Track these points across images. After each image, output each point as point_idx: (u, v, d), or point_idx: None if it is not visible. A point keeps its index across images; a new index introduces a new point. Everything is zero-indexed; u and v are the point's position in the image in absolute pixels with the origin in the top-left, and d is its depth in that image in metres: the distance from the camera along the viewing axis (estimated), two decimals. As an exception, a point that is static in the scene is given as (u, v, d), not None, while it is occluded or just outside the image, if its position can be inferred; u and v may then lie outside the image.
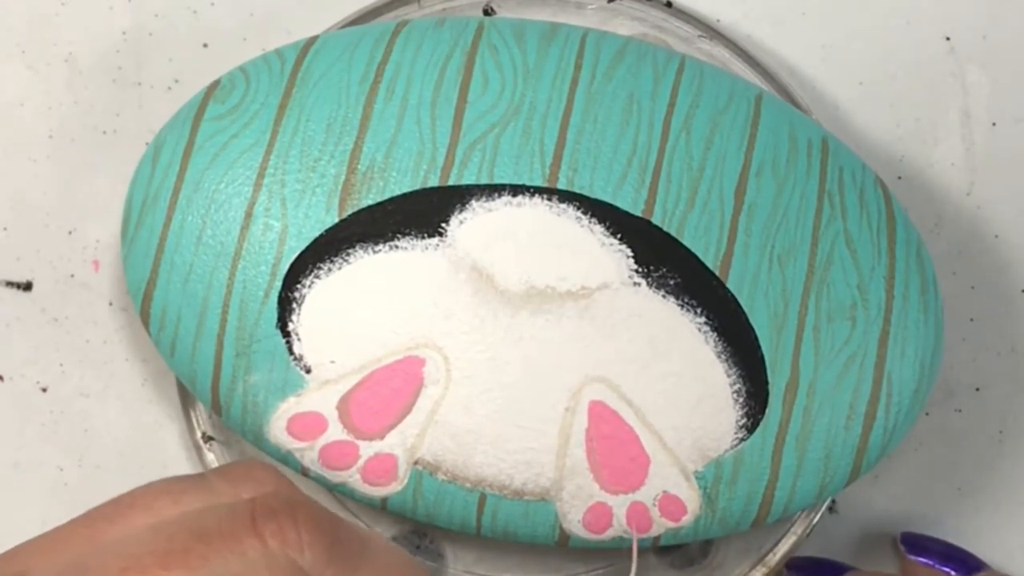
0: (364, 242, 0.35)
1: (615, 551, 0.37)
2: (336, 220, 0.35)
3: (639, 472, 0.35)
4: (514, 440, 0.35)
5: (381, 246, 0.35)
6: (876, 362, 0.35)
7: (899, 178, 0.42)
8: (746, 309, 0.35)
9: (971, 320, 0.42)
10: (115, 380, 0.42)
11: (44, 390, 0.41)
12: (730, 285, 0.35)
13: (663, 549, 0.39)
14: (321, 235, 0.35)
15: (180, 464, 0.41)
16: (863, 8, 0.43)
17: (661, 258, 0.35)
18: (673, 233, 0.35)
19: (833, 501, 0.41)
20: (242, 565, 0.23)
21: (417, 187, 0.35)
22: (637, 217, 0.35)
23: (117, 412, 0.41)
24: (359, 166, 0.35)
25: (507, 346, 0.35)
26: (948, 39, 0.43)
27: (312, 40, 0.37)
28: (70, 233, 0.42)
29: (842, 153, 0.37)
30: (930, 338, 0.36)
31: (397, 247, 0.35)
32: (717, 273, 0.35)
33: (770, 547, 0.39)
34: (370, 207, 0.35)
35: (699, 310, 0.35)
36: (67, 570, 0.24)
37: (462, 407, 0.35)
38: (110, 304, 0.42)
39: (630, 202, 0.35)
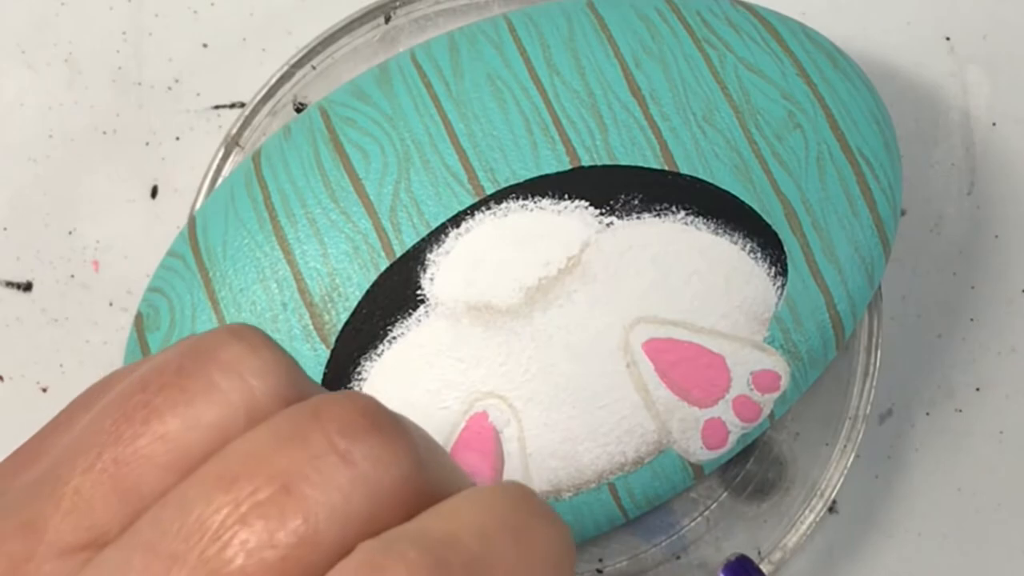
0: (364, 354, 0.35)
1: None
2: (328, 354, 0.35)
3: (721, 372, 0.35)
4: (605, 422, 0.35)
5: (381, 346, 0.35)
6: (839, 145, 0.36)
7: (899, 178, 0.42)
8: (709, 180, 0.36)
9: (971, 320, 0.42)
10: (115, 380, 0.41)
11: (44, 390, 0.41)
12: (683, 170, 0.36)
13: (738, 487, 0.40)
14: (325, 375, 0.35)
15: (180, 464, 0.41)
16: (863, 8, 0.43)
17: (613, 189, 0.36)
18: (607, 162, 0.36)
19: (834, 501, 0.41)
20: (218, 400, 0.22)
21: (373, 279, 0.35)
22: (569, 171, 0.36)
23: (117, 412, 0.41)
24: (313, 298, 0.35)
25: (543, 351, 0.35)
26: (948, 39, 0.43)
27: (192, 222, 0.37)
28: (70, 233, 0.42)
29: (689, 0, 0.38)
30: (867, 96, 0.37)
31: (395, 338, 0.35)
32: (665, 168, 0.36)
33: (771, 547, 0.39)
34: (348, 323, 0.35)
35: (674, 208, 0.36)
36: (43, 476, 0.23)
37: (543, 426, 0.35)
38: (110, 304, 0.42)
39: (554, 163, 0.36)
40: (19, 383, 0.41)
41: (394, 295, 0.35)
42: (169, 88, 0.43)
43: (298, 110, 0.41)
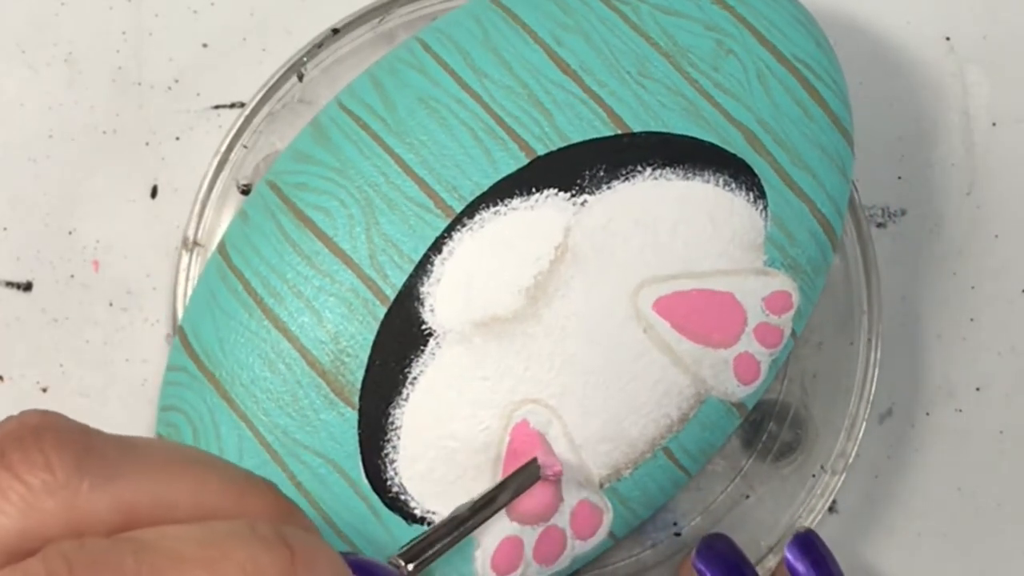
0: (392, 403, 0.35)
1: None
2: (356, 415, 0.35)
3: (734, 309, 0.36)
4: (640, 392, 0.35)
5: (405, 390, 0.35)
6: (774, 57, 0.37)
7: (899, 178, 0.42)
8: (665, 129, 0.36)
9: (971, 320, 0.42)
10: (115, 380, 0.41)
11: (44, 390, 0.41)
12: (636, 129, 0.36)
13: (757, 448, 0.40)
14: (360, 436, 0.35)
15: (180, 464, 0.41)
16: (863, 8, 0.43)
17: (574, 168, 0.36)
18: (561, 145, 0.36)
19: (834, 501, 0.41)
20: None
21: (377, 330, 0.35)
22: (527, 164, 0.36)
23: (117, 412, 0.41)
24: (324, 367, 0.35)
25: (559, 344, 0.35)
26: (948, 39, 0.43)
27: (181, 331, 0.36)
28: (70, 233, 0.42)
29: None
30: (785, 2, 0.38)
31: (416, 379, 0.35)
32: (619, 132, 0.36)
33: (770, 548, 0.39)
34: (364, 381, 0.35)
35: (639, 166, 0.36)
36: None
37: (584, 416, 0.35)
38: (110, 304, 0.42)
39: (511, 162, 0.36)
40: (19, 383, 0.41)
41: (401, 338, 0.35)
42: (169, 88, 0.43)
43: (244, 192, 0.40)
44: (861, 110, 0.43)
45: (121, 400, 0.41)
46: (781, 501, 0.40)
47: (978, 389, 0.42)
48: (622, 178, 0.36)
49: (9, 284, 0.42)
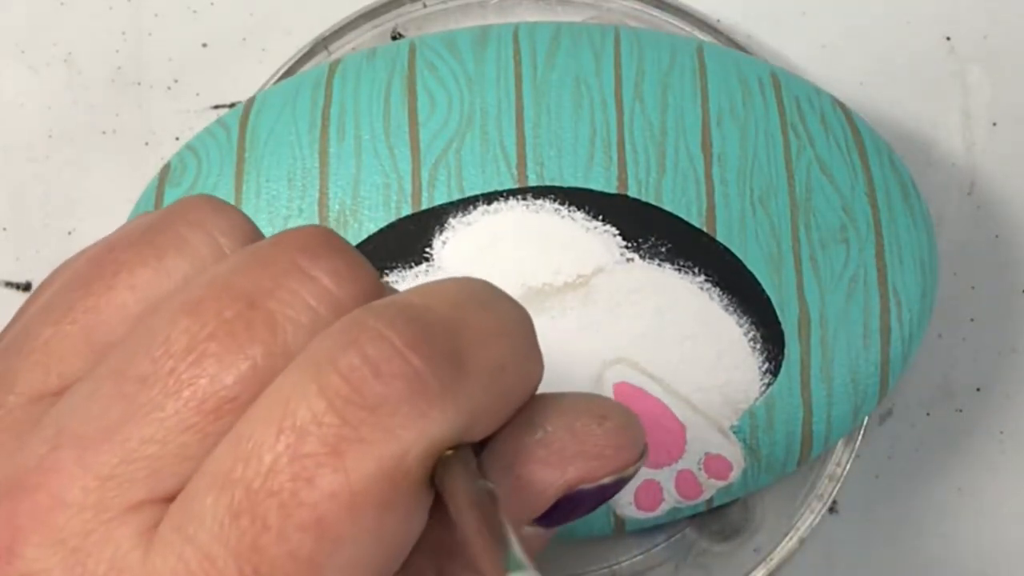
0: None
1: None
2: None
3: (677, 441, 0.35)
4: None
5: None
6: (878, 277, 0.36)
7: (899, 178, 0.42)
8: (741, 257, 0.36)
9: (971, 320, 0.42)
10: (115, 380, 0.41)
11: (44, 390, 0.41)
12: (720, 238, 0.36)
13: (702, 524, 0.39)
14: None
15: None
16: (863, 8, 0.43)
17: (647, 228, 0.35)
18: (652, 201, 0.36)
19: (834, 501, 0.41)
20: (189, 253, 0.22)
21: (392, 220, 0.35)
22: (613, 195, 0.36)
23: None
24: (329, 213, 0.35)
25: None
26: (948, 39, 0.43)
27: (251, 101, 0.37)
28: (70, 233, 0.42)
29: (793, 83, 0.38)
30: (923, 241, 0.37)
31: (388, 282, 0.35)
32: (704, 229, 0.36)
33: (771, 549, 0.39)
34: None
35: (696, 269, 0.35)
36: (14, 336, 0.22)
37: None
38: (110, 304, 0.42)
39: (603, 182, 0.36)
40: (19, 383, 0.41)
41: (404, 243, 0.35)
42: (169, 88, 0.43)
43: (394, 38, 0.41)
44: (861, 110, 0.43)
45: (121, 400, 0.41)
46: (782, 501, 0.40)
47: (978, 389, 0.42)
48: (676, 266, 0.35)
49: (9, 284, 0.42)
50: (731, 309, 0.35)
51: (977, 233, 0.42)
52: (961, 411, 0.42)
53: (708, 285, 0.35)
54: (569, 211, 0.35)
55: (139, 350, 0.21)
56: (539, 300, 0.35)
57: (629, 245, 0.35)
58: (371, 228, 0.35)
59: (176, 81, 0.43)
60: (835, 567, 0.41)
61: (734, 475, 0.35)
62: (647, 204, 0.36)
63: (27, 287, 0.42)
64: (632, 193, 0.36)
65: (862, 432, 0.40)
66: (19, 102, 0.42)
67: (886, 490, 0.42)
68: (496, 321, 0.22)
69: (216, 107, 0.42)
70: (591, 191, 0.36)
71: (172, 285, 0.22)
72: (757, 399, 0.35)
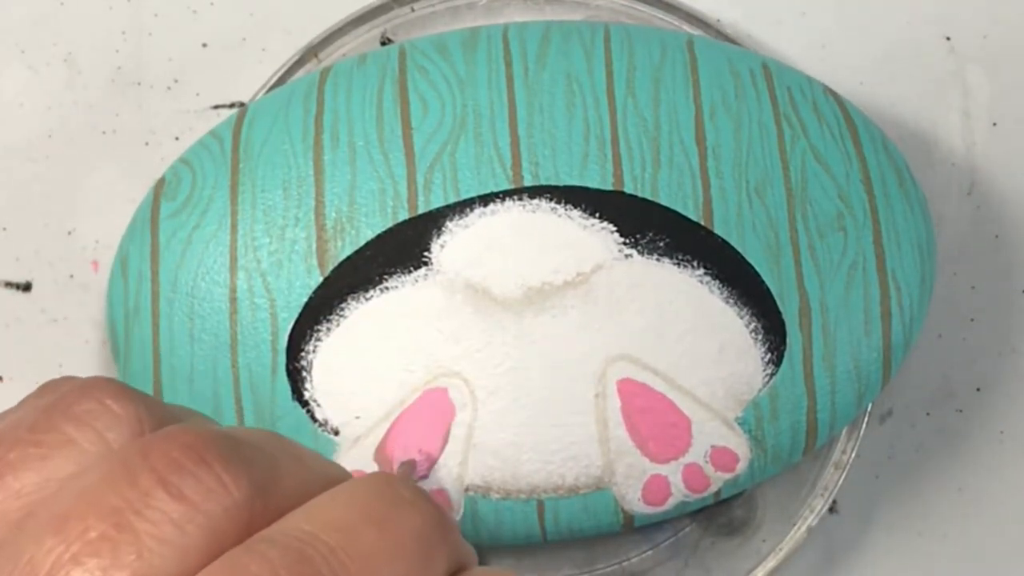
0: (354, 293, 0.35)
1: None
2: (320, 280, 0.35)
3: (683, 435, 0.35)
4: (555, 440, 0.35)
5: (372, 291, 0.35)
6: (876, 263, 0.36)
7: (899, 178, 0.42)
8: (739, 249, 0.36)
9: (971, 320, 0.42)
10: (115, 380, 0.41)
11: (44, 390, 0.41)
12: (717, 230, 0.36)
13: (708, 520, 0.40)
14: (310, 299, 0.35)
15: (180, 464, 0.41)
16: (863, 8, 0.43)
17: (644, 224, 0.35)
18: (648, 196, 0.36)
19: (834, 501, 0.41)
20: (75, 455, 0.22)
21: (389, 225, 0.35)
22: (609, 191, 0.36)
23: (117, 412, 0.41)
24: (326, 221, 0.35)
25: (522, 352, 0.35)
26: (948, 39, 0.43)
27: (243, 111, 0.37)
28: (70, 233, 0.42)
29: (785, 73, 0.38)
30: (920, 226, 0.37)
31: (387, 288, 0.35)
32: (702, 222, 0.36)
33: (771, 548, 0.39)
34: (349, 257, 0.35)
35: (695, 263, 0.35)
36: None
37: (495, 423, 0.35)
38: (110, 304, 0.42)
39: (598, 179, 0.36)
40: (19, 383, 0.41)
41: (402, 248, 0.35)
42: (169, 88, 0.43)
43: (384, 43, 0.41)
44: (861, 110, 0.43)
45: (121, 400, 0.41)
46: (783, 500, 0.40)
47: (978, 389, 0.42)
48: (675, 260, 0.35)
49: (9, 284, 0.42)
50: (731, 301, 0.35)
51: (977, 233, 0.42)
52: (961, 411, 0.42)
53: (708, 278, 0.35)
54: (566, 210, 0.35)
55: (3, 570, 0.20)
56: (540, 299, 0.35)
57: (627, 241, 0.35)
58: (368, 234, 0.35)
59: (176, 81, 0.43)
60: (835, 567, 0.41)
61: (740, 467, 0.36)
62: (644, 200, 0.36)
63: (27, 287, 0.42)
64: (628, 189, 0.36)
65: (862, 432, 0.40)
66: (19, 102, 0.42)
67: (886, 490, 0.42)
68: (391, 542, 0.21)
69: (216, 107, 0.42)
70: (587, 189, 0.36)
71: (55, 488, 0.21)
72: (761, 390, 0.35)
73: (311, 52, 0.41)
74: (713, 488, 0.36)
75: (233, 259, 0.35)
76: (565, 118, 0.36)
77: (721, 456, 0.35)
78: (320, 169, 0.36)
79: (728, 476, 0.35)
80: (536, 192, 0.35)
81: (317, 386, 0.35)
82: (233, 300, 0.35)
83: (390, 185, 0.35)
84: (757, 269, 0.36)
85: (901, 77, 0.43)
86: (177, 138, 0.42)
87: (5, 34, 0.43)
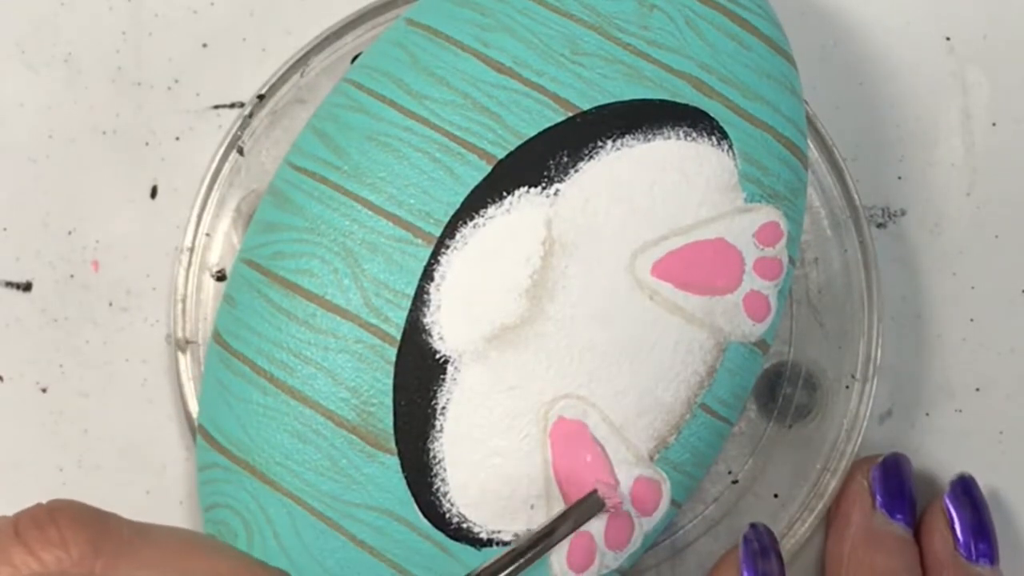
0: (426, 439, 0.35)
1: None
2: (396, 460, 0.35)
3: (728, 252, 0.36)
4: (663, 358, 0.35)
5: (437, 422, 0.35)
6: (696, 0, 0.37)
7: (899, 178, 0.42)
8: (612, 100, 0.36)
9: (971, 320, 0.42)
10: (115, 380, 0.41)
11: (44, 390, 0.41)
12: (585, 107, 0.36)
13: (768, 410, 0.40)
14: (407, 479, 0.35)
15: (179, 465, 0.41)
16: (863, 8, 0.43)
17: (538, 162, 0.35)
18: (518, 143, 0.35)
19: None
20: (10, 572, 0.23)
21: (393, 372, 0.35)
22: (491, 172, 0.35)
23: (117, 412, 0.41)
24: (353, 421, 0.35)
25: (572, 334, 0.35)
26: (948, 39, 0.43)
27: (203, 431, 0.36)
28: (70, 233, 0.42)
29: None
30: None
31: (445, 409, 0.35)
32: (571, 115, 0.36)
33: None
34: (395, 424, 0.35)
35: (599, 142, 0.36)
36: None
37: (615, 398, 0.35)
38: (110, 304, 0.42)
39: (475, 174, 0.35)
40: (19, 383, 0.41)
41: (419, 373, 0.35)
42: (169, 88, 0.43)
43: (219, 279, 0.40)
44: (861, 110, 0.43)
45: (121, 400, 0.41)
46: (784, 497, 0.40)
47: (978, 389, 0.42)
48: (586, 158, 0.36)
49: (9, 284, 0.42)
50: (650, 136, 0.36)
51: (977, 233, 0.42)
52: (961, 411, 0.42)
53: (619, 142, 0.36)
54: (482, 217, 0.35)
55: None
56: (542, 289, 0.35)
57: (543, 184, 0.35)
58: (388, 394, 0.35)
59: (176, 81, 0.43)
60: (835, 567, 0.41)
61: (784, 225, 0.36)
62: (517, 149, 0.35)
63: (27, 287, 0.42)
64: (500, 155, 0.35)
65: (862, 432, 0.40)
66: (19, 102, 0.42)
67: (886, 490, 0.42)
68: None
69: (216, 107, 0.42)
70: (477, 187, 0.35)
71: None
72: (736, 164, 0.36)
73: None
74: (785, 260, 0.36)
75: (326, 520, 0.35)
76: (404, 165, 0.36)
77: (766, 234, 0.36)
78: (303, 398, 0.35)
79: (783, 241, 0.36)
80: (451, 230, 0.35)
81: (481, 524, 0.35)
82: (360, 543, 0.35)
83: (360, 347, 0.35)
84: (638, 98, 0.36)
85: (901, 77, 0.43)
86: (177, 138, 0.42)
87: (5, 34, 0.43)
